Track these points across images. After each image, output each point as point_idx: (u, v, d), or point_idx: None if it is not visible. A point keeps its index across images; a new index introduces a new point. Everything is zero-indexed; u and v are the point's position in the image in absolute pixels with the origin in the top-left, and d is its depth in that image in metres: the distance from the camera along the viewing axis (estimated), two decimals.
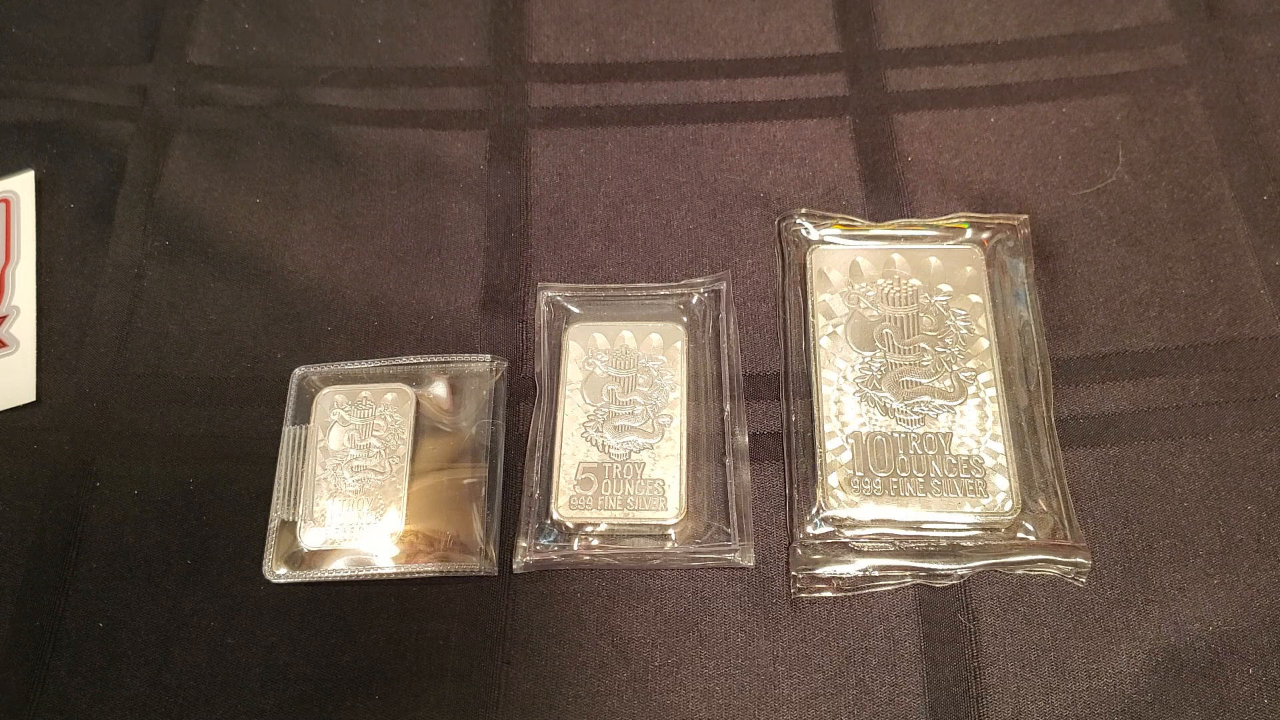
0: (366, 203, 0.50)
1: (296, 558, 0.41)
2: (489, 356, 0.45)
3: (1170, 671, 0.39)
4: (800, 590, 0.40)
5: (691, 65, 0.52)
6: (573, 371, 0.44)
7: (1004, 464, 0.41)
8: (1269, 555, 0.40)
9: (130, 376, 0.46)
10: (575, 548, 0.41)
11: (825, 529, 0.41)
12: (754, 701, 0.39)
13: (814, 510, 0.41)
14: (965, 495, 0.40)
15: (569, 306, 0.46)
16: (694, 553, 0.41)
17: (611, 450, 0.42)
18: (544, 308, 0.46)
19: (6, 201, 0.50)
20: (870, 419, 0.42)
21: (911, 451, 0.41)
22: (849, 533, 0.40)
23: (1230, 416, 0.43)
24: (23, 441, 0.45)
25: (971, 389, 0.42)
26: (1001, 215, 0.47)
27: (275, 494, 0.42)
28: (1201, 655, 0.39)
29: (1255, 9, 0.52)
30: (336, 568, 0.41)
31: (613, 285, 0.47)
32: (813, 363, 0.44)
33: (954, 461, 0.41)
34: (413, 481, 0.42)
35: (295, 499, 0.42)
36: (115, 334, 0.47)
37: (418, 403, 0.44)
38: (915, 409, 0.42)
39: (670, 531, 0.41)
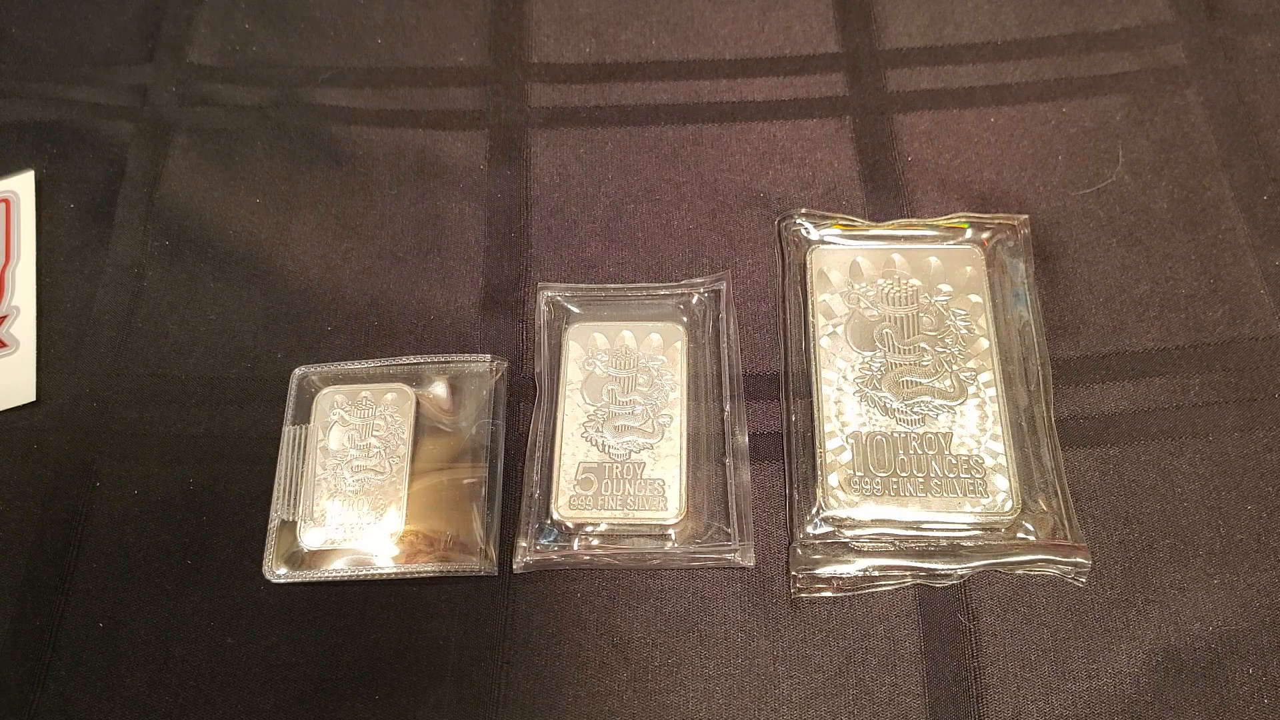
0: (366, 203, 0.50)
1: (296, 558, 0.41)
2: (489, 356, 0.45)
3: (1170, 671, 0.39)
4: (800, 590, 0.40)
5: (691, 65, 0.52)
6: (573, 371, 0.44)
7: (1004, 464, 0.41)
8: (1269, 555, 0.40)
9: (130, 376, 0.46)
10: (575, 548, 0.41)
11: (825, 529, 0.41)
12: (754, 701, 0.39)
13: (814, 510, 0.41)
14: (965, 495, 0.40)
15: (569, 306, 0.46)
16: (694, 553, 0.41)
17: (611, 450, 0.42)
18: (544, 308, 0.46)
19: (6, 201, 0.50)
20: (870, 419, 0.42)
21: (911, 451, 0.41)
22: (849, 533, 0.40)
23: (1230, 416, 0.43)
24: (23, 441, 0.45)
25: (971, 389, 0.42)
26: (1001, 215, 0.47)
27: (275, 494, 0.42)
28: (1201, 655, 0.39)
29: (1255, 9, 0.52)
30: (336, 568, 0.41)
31: (613, 285, 0.47)
32: (813, 363, 0.44)
33: (954, 461, 0.41)
34: (413, 481, 0.42)
35: (295, 499, 0.42)
36: (115, 334, 0.47)
37: (418, 403, 0.44)
38: (915, 409, 0.42)
39: (670, 531, 0.41)
